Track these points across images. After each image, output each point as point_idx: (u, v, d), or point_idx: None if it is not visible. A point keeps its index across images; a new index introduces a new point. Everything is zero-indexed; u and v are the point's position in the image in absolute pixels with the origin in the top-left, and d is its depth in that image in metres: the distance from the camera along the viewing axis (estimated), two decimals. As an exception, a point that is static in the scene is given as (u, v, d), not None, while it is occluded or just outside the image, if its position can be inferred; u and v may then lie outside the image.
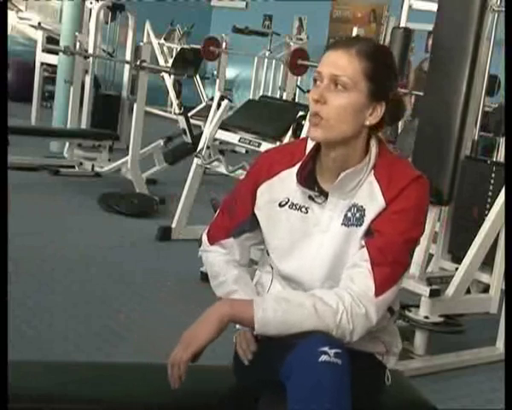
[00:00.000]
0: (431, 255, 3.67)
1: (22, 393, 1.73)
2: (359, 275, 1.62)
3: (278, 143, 4.06)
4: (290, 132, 4.22)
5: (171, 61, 10.38)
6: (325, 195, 1.71)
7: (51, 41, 8.38)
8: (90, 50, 7.40)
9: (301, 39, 9.90)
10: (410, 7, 5.62)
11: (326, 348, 1.51)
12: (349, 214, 1.68)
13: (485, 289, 3.54)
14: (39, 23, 8.73)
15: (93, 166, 6.39)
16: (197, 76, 10.92)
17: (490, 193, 3.49)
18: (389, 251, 1.63)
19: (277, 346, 1.58)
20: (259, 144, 4.37)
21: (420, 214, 1.68)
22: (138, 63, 5.87)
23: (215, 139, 4.67)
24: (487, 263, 3.39)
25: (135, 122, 5.85)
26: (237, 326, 1.74)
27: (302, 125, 4.13)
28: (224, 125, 4.61)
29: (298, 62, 7.41)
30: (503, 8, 3.28)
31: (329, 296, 1.60)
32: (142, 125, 5.87)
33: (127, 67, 7.37)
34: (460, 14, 3.42)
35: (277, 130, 4.36)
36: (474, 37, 3.38)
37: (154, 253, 4.54)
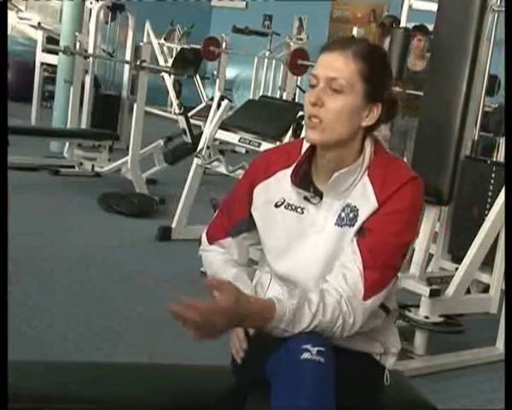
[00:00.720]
0: (431, 255, 3.67)
1: (22, 393, 1.73)
2: (352, 275, 1.62)
3: (278, 143, 4.06)
4: (290, 132, 4.22)
5: (171, 61, 10.38)
6: (320, 195, 1.71)
7: (51, 41, 8.39)
8: (90, 50, 7.40)
9: (301, 39, 9.89)
10: (410, 7, 5.63)
11: (308, 346, 1.52)
12: (343, 214, 1.68)
13: (485, 289, 3.54)
14: (39, 23, 8.74)
15: (93, 166, 6.39)
16: (197, 76, 10.92)
17: (490, 193, 3.49)
18: (380, 253, 1.63)
19: (266, 344, 1.59)
20: (259, 144, 4.37)
21: (414, 216, 1.68)
22: (138, 63, 5.87)
23: (215, 139, 4.67)
24: (487, 263, 3.39)
25: (135, 122, 5.85)
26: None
27: (302, 125, 4.13)
28: (224, 125, 4.61)
29: (298, 62, 7.41)
30: (503, 8, 3.29)
31: (330, 299, 1.60)
32: (142, 125, 5.87)
33: (127, 67, 7.37)
34: (460, 14, 3.42)
35: (277, 130, 4.36)
36: (474, 37, 3.38)
37: (154, 253, 4.54)
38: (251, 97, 8.87)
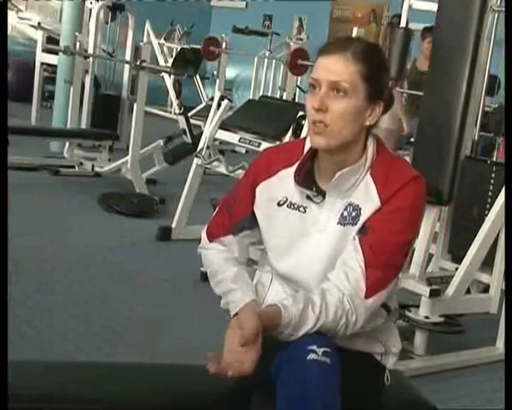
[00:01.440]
0: (431, 255, 3.67)
1: (22, 393, 1.73)
2: (354, 274, 1.63)
3: (278, 143, 4.06)
4: (290, 132, 4.22)
5: (171, 61, 10.36)
6: (323, 194, 1.71)
7: (51, 41, 8.38)
8: (90, 50, 7.40)
9: (301, 39, 9.90)
10: (410, 7, 5.62)
11: (314, 347, 1.53)
12: (345, 213, 1.68)
13: (485, 289, 3.54)
14: (39, 23, 8.73)
15: (93, 166, 6.39)
16: (197, 76, 10.91)
17: (490, 193, 3.49)
18: (382, 251, 1.63)
19: (270, 345, 1.58)
20: (259, 144, 4.36)
21: (416, 215, 1.68)
22: (138, 63, 5.87)
23: (215, 139, 4.67)
24: (487, 263, 3.39)
25: (135, 122, 5.85)
26: None
27: (302, 125, 4.13)
28: (224, 125, 4.61)
29: (298, 62, 7.41)
30: (503, 8, 3.28)
31: (332, 300, 1.61)
32: (142, 125, 5.87)
33: (127, 67, 7.36)
34: (460, 14, 3.42)
35: (277, 130, 4.35)
36: (474, 37, 3.38)
37: (154, 253, 4.54)
38: (251, 97, 8.87)
